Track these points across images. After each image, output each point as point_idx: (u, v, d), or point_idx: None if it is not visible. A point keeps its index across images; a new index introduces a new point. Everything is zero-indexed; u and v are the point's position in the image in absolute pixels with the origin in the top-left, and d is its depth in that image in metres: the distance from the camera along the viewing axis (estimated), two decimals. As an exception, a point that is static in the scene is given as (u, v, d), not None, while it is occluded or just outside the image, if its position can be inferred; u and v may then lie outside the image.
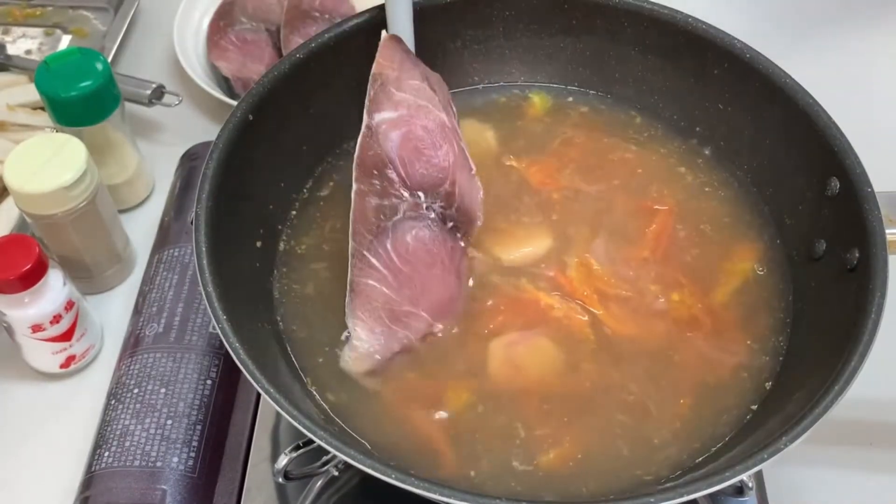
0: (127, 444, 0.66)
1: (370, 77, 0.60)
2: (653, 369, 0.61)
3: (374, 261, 0.59)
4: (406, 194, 0.60)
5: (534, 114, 0.75)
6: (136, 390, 0.69)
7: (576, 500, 0.56)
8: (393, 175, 0.59)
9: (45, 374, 0.76)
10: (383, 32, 0.63)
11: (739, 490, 0.60)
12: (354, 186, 0.59)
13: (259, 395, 0.70)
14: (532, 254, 0.66)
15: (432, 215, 0.62)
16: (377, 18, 0.69)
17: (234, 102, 0.82)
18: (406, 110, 0.60)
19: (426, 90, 0.62)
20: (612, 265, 0.65)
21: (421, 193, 0.60)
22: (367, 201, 0.59)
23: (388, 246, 0.59)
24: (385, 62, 0.61)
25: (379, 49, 0.61)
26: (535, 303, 0.63)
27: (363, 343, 0.59)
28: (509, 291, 0.64)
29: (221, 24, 0.98)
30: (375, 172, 0.59)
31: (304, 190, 0.70)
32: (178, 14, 0.99)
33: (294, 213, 0.69)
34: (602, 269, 0.65)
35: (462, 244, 0.64)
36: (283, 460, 0.58)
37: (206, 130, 0.93)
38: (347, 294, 0.59)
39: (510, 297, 0.64)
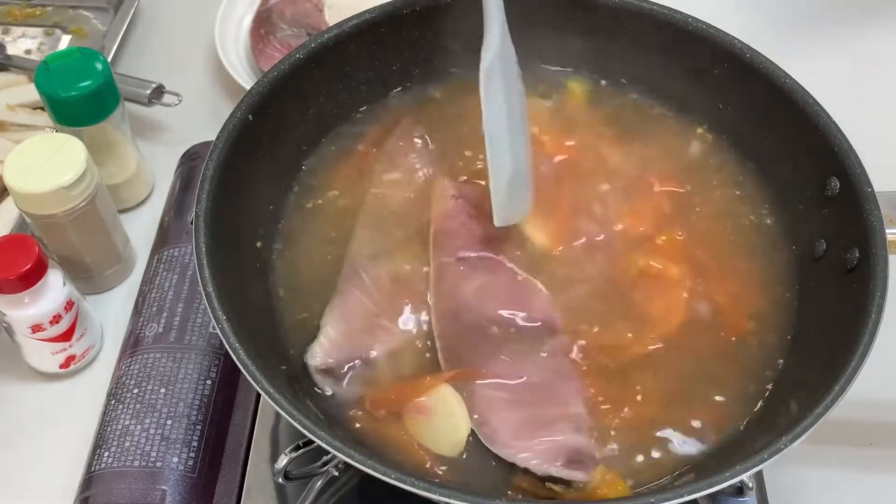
0: (127, 444, 0.66)
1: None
2: (656, 373, 0.61)
3: (364, 276, 0.62)
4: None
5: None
6: (135, 390, 0.69)
7: (576, 500, 0.56)
8: None
9: (45, 374, 0.76)
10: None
11: (739, 490, 0.60)
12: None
13: (259, 395, 0.70)
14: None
15: None
16: (377, 19, 0.69)
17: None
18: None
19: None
20: (613, 268, 0.65)
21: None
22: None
23: (382, 270, 0.63)
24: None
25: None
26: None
27: (330, 342, 0.60)
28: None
29: (262, 32, 0.98)
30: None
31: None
32: (218, 19, 0.99)
33: (294, 212, 0.69)
34: (605, 271, 0.65)
35: None
36: (283, 460, 0.58)
37: (206, 130, 0.92)
38: (334, 296, 0.61)
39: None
